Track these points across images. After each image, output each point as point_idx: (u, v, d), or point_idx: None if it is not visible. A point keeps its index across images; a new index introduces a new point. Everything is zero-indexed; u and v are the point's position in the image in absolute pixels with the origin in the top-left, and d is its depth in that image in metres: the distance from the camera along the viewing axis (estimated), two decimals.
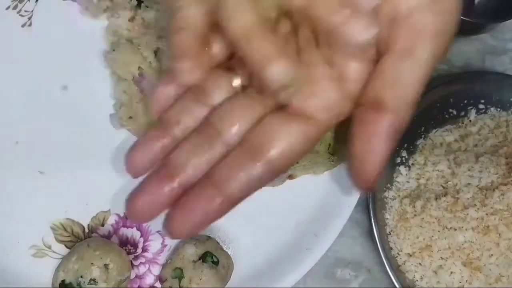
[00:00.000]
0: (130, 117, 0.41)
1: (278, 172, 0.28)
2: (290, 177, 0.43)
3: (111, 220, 0.42)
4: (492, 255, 0.41)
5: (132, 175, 0.29)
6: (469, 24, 0.46)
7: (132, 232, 0.42)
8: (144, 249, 0.42)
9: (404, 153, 0.45)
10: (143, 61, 0.41)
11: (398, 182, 0.44)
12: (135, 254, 0.42)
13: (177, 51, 0.29)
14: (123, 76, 0.41)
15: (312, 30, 0.27)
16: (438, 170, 0.44)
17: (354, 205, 0.42)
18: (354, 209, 0.42)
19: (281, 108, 0.28)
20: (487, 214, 0.41)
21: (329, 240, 0.42)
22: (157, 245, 0.42)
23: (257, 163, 0.27)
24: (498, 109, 0.46)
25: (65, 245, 0.41)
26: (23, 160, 0.42)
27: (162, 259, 0.42)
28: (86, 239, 0.41)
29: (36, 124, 0.43)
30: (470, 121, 0.46)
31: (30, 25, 0.45)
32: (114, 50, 0.42)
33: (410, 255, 0.42)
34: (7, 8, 0.45)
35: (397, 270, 0.42)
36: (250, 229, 0.42)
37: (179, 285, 0.39)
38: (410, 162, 0.45)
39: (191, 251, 0.40)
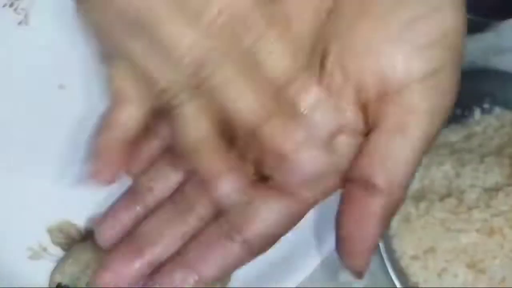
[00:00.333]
0: None
1: (257, 253, 0.26)
2: None
3: None
4: (496, 257, 0.41)
5: (104, 246, 0.28)
6: (473, 23, 0.45)
7: None
8: None
9: None
10: None
11: None
12: None
13: (95, 151, 0.27)
14: None
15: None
16: (442, 170, 0.43)
17: None
18: None
19: (262, 179, 0.26)
20: (491, 215, 0.41)
21: (332, 241, 0.41)
22: None
23: (234, 243, 0.25)
24: (503, 109, 0.46)
25: (61, 248, 0.41)
26: (19, 160, 0.42)
27: None
28: (83, 241, 0.40)
29: (32, 124, 0.42)
30: (475, 120, 0.46)
31: (26, 23, 0.44)
32: None
33: (414, 258, 0.42)
34: (4, 6, 0.44)
35: (400, 272, 0.42)
36: None
37: None
38: None
39: None
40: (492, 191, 0.42)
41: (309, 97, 0.25)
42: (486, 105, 0.46)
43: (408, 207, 0.42)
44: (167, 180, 0.28)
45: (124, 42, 0.26)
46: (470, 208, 0.41)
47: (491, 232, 0.41)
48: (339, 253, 0.26)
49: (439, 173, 0.43)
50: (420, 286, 0.42)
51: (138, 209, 0.28)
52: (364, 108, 0.26)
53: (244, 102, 0.24)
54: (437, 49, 0.25)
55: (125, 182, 0.35)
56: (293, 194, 0.26)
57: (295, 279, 0.41)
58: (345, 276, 0.44)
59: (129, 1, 0.25)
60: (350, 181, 0.26)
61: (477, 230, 0.41)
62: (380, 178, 0.25)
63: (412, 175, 0.26)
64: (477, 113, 0.46)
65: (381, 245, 0.41)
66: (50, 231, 0.41)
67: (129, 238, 0.27)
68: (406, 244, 0.42)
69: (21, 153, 0.42)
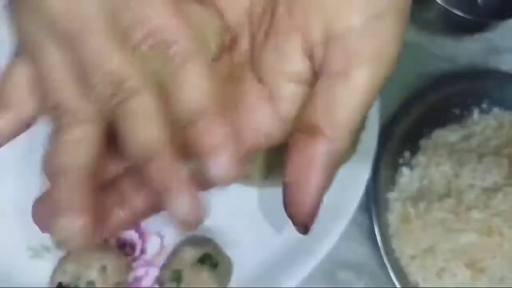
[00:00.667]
0: None
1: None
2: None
3: None
4: (495, 256, 0.41)
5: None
6: (473, 23, 0.46)
7: (130, 234, 0.42)
8: (142, 251, 0.42)
9: (407, 154, 0.44)
10: None
11: (401, 183, 0.44)
12: (133, 256, 0.41)
13: (54, 204, 0.25)
14: None
15: None
16: (441, 171, 0.43)
17: (356, 207, 0.42)
18: (356, 211, 0.42)
19: None
20: (490, 215, 0.41)
21: (330, 242, 0.41)
22: (156, 247, 0.42)
23: None
24: (502, 109, 0.46)
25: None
26: (20, 160, 0.42)
27: (160, 261, 0.41)
28: None
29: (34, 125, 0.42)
30: (473, 121, 0.46)
31: None
32: None
33: (413, 257, 0.42)
34: (4, 6, 0.44)
35: (400, 272, 0.42)
36: (250, 231, 0.42)
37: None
38: (413, 162, 0.44)
39: (190, 254, 0.39)
40: (491, 191, 0.42)
41: (211, 140, 0.23)
42: (484, 106, 0.46)
43: (408, 207, 0.43)
44: None
45: (42, 46, 0.25)
46: (469, 208, 0.41)
47: (489, 232, 0.41)
48: (284, 203, 0.26)
49: (438, 173, 0.43)
50: (419, 285, 0.42)
51: None
52: (311, 57, 0.26)
53: (144, 138, 0.24)
54: None
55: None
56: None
57: (295, 279, 0.41)
58: (344, 277, 0.45)
59: (65, 11, 0.24)
60: (297, 129, 0.26)
61: (476, 230, 0.41)
62: (324, 124, 0.25)
63: (356, 122, 0.25)
64: (475, 114, 0.46)
65: (380, 245, 0.41)
66: None
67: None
68: (406, 244, 0.42)
69: (21, 152, 0.42)
